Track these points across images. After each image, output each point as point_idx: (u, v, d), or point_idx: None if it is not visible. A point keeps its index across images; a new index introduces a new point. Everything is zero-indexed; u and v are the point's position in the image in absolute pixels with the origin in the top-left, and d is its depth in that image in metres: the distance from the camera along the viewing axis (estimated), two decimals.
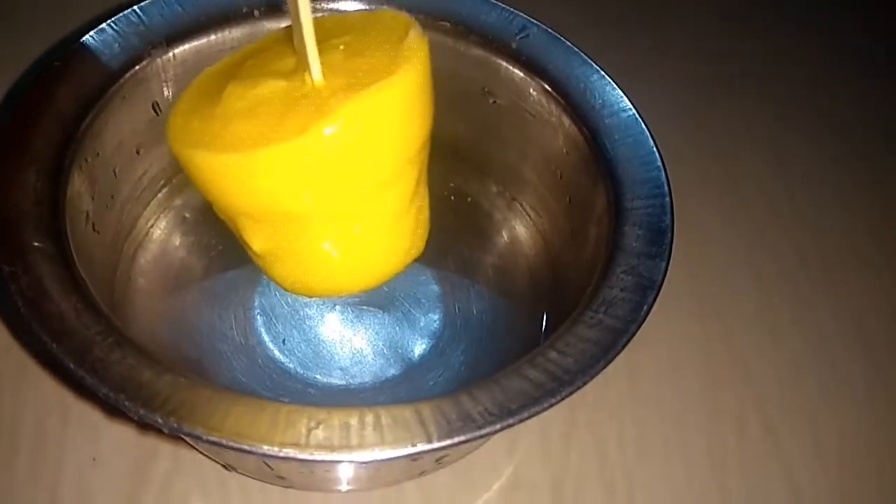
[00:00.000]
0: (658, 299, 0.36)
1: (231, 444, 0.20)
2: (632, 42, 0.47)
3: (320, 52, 0.22)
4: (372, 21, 0.25)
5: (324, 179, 0.22)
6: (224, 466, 0.28)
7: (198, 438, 0.20)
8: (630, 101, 0.30)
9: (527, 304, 0.33)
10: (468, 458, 0.30)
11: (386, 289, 0.33)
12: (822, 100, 0.46)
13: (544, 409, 0.21)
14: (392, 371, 0.31)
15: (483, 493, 0.30)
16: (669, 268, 0.37)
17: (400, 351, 0.31)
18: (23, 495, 0.28)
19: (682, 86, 0.45)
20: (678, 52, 0.47)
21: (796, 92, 0.46)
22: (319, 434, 0.20)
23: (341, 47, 0.23)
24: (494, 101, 0.33)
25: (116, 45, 0.29)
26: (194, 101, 0.24)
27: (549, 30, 0.31)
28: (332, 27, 0.25)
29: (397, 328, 0.32)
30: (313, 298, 0.32)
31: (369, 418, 0.21)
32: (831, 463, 0.32)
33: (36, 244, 0.23)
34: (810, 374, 0.35)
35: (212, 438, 0.20)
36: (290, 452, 0.20)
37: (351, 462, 0.20)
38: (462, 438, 0.21)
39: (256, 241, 0.24)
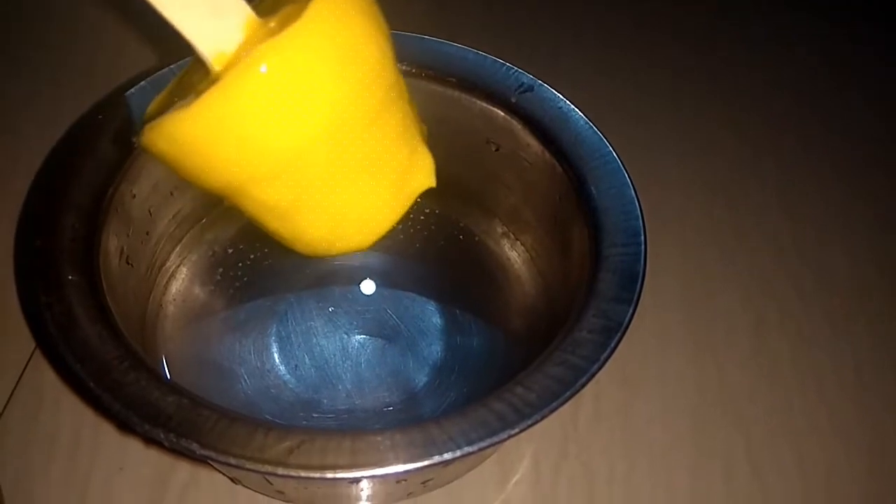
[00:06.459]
0: (655, 341, 0.37)
1: (220, 458, 0.23)
2: (647, 83, 0.49)
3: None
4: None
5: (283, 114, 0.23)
6: (231, 480, 0.31)
7: (192, 453, 0.23)
8: (616, 152, 0.32)
9: (524, 341, 0.35)
10: (459, 483, 0.32)
11: (393, 320, 0.36)
12: (834, 141, 0.47)
13: (503, 440, 0.24)
14: (394, 398, 0.33)
15: None
16: (670, 311, 0.39)
17: (401, 379, 0.34)
18: (56, 497, 0.31)
19: (692, 126, 0.47)
20: (692, 91, 0.48)
21: (807, 133, 0.47)
22: (300, 454, 0.23)
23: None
24: (497, 149, 0.35)
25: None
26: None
27: (545, 84, 0.34)
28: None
29: (401, 357, 0.35)
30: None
31: (346, 443, 0.24)
32: None
33: (70, 278, 0.26)
34: (803, 419, 0.35)
35: (204, 453, 0.23)
36: (270, 469, 0.23)
37: (323, 480, 0.22)
38: (425, 464, 0.23)
39: (270, 196, 0.25)
